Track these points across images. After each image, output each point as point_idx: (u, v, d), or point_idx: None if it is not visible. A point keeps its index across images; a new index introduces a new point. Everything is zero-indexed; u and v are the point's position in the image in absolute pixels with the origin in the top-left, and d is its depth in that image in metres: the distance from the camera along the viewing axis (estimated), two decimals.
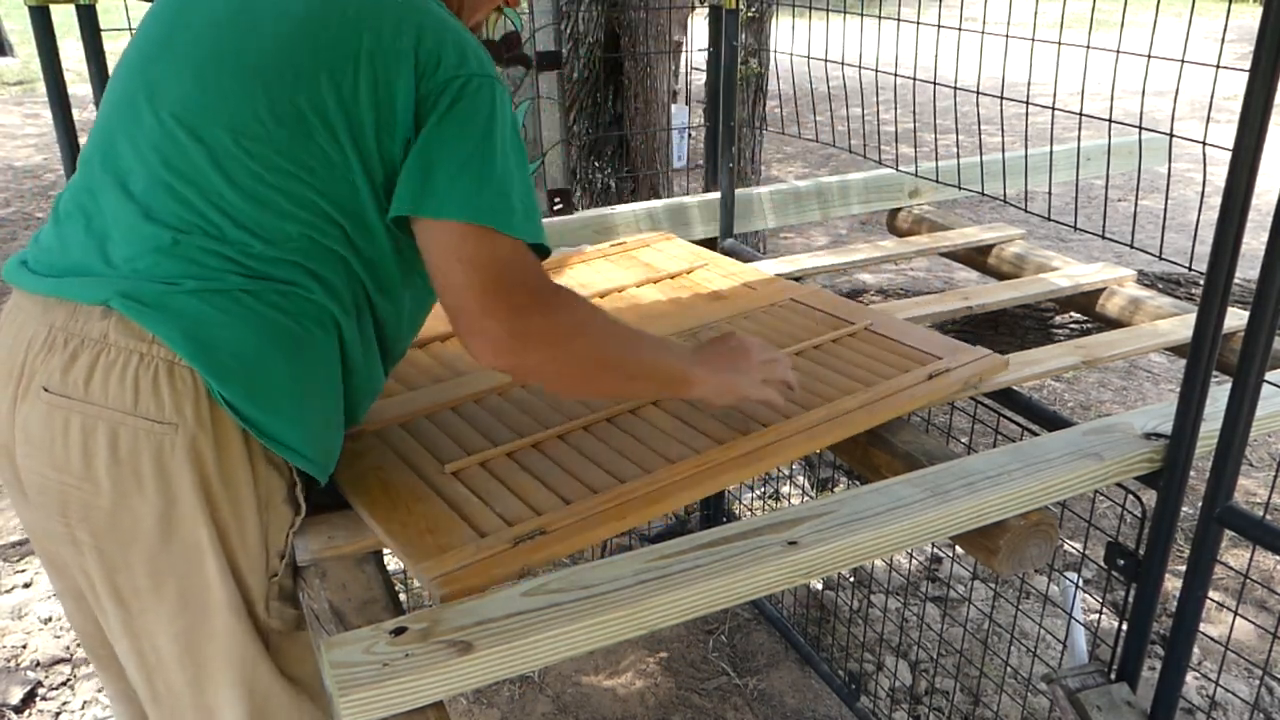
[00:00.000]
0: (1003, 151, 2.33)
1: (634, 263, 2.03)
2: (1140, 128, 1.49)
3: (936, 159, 2.45)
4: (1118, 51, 1.50)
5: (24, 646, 2.44)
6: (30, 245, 1.20)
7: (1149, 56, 1.45)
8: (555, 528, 1.18)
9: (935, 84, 1.77)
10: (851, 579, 2.71)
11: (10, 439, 1.12)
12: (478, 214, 1.10)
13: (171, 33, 1.16)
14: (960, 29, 1.77)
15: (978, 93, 1.77)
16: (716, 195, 2.33)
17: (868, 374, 1.52)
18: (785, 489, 3.06)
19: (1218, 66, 1.24)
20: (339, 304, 1.15)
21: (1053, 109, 1.59)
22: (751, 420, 1.39)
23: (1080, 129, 2.00)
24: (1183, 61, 1.32)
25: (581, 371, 1.21)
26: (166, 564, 1.11)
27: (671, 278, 1.94)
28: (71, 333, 1.08)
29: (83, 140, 1.84)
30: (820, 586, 2.65)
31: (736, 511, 2.96)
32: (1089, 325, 2.31)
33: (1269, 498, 2.17)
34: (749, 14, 3.77)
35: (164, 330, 1.06)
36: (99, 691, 2.32)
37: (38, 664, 2.39)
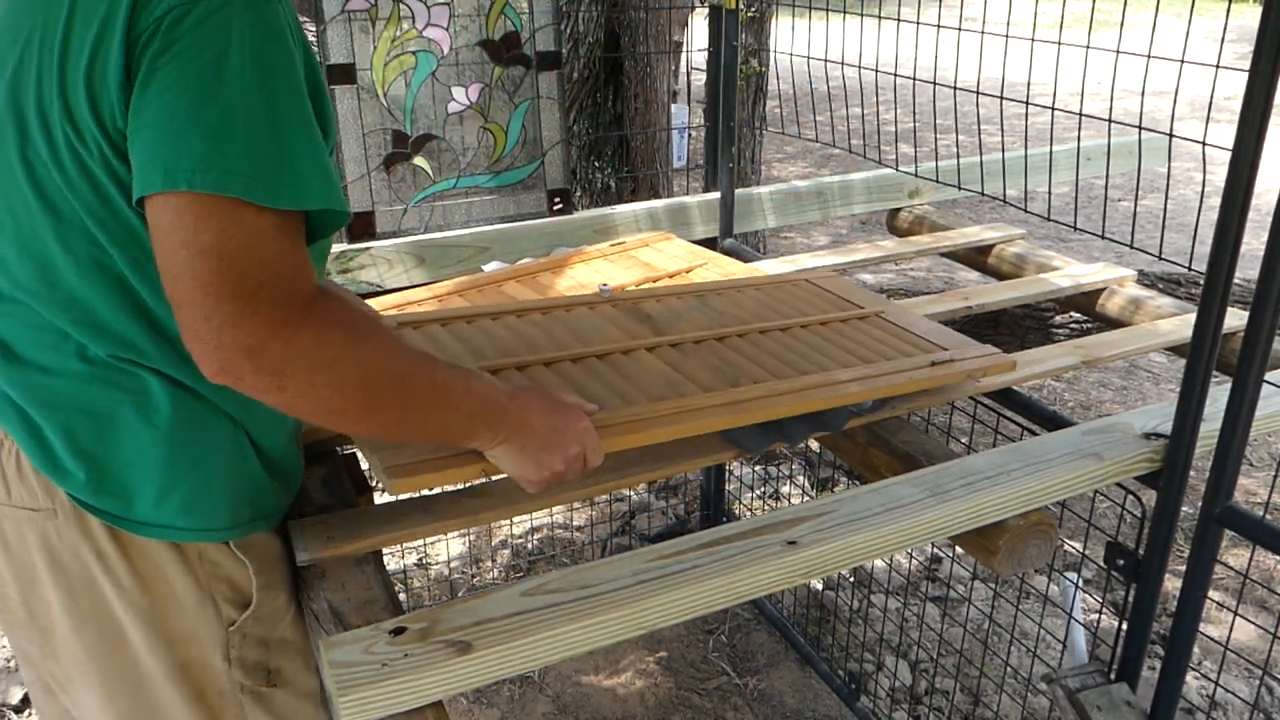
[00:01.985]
0: (1003, 151, 2.33)
1: (634, 262, 2.03)
2: (1140, 128, 1.49)
3: (936, 159, 2.45)
4: (1118, 51, 1.50)
5: None
6: None
7: (1149, 56, 1.45)
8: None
9: (935, 84, 1.77)
10: (851, 579, 2.71)
11: None
12: (205, 179, 0.82)
13: None
14: (960, 29, 1.77)
15: (978, 93, 1.76)
16: (716, 195, 2.33)
17: (869, 354, 1.51)
18: (785, 489, 3.06)
19: (1218, 66, 1.24)
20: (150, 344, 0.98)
21: (1053, 109, 1.59)
22: (741, 375, 1.38)
23: (1080, 129, 2.00)
24: (1183, 61, 1.32)
25: (342, 406, 0.93)
26: (84, 650, 1.05)
27: (670, 277, 1.94)
28: None
29: None
30: (820, 586, 2.65)
31: (736, 511, 2.96)
32: (1089, 325, 2.31)
33: (1269, 498, 2.17)
34: (749, 14, 3.77)
35: (1, 420, 0.98)
36: None
37: None
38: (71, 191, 0.92)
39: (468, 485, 1.27)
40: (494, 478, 1.12)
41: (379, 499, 1.43)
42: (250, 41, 0.86)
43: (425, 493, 1.25)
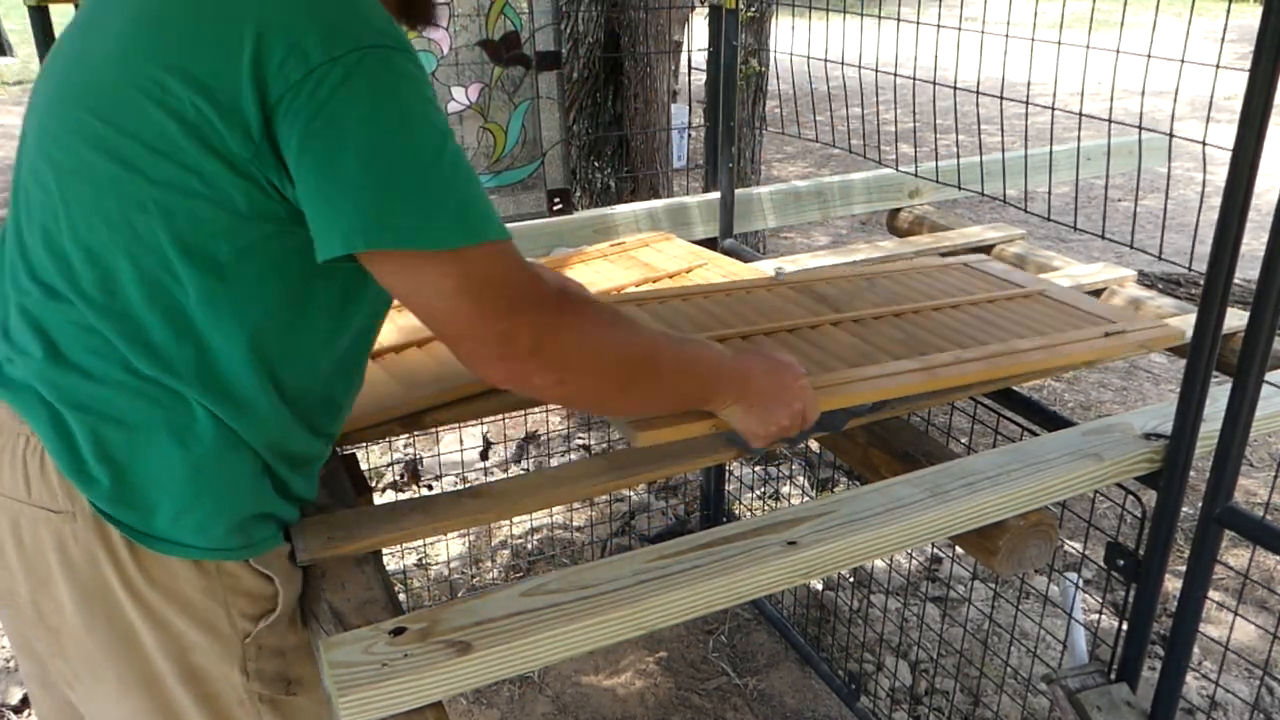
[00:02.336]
0: (1003, 151, 2.33)
1: (634, 262, 2.03)
2: (1140, 128, 1.49)
3: (936, 159, 2.45)
4: (1118, 51, 1.50)
5: None
6: None
7: (1149, 56, 1.44)
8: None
9: (935, 84, 1.77)
10: (851, 579, 2.71)
11: None
12: (427, 237, 0.91)
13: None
14: (960, 29, 1.77)
15: (978, 93, 1.76)
16: (716, 195, 2.33)
17: (1042, 326, 1.56)
18: (785, 489, 3.06)
19: (1218, 66, 1.24)
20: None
21: (1053, 109, 1.59)
22: (926, 345, 1.47)
23: (1080, 129, 2.00)
24: (1183, 61, 1.32)
25: (609, 383, 1.05)
26: (97, 650, 1.05)
27: (670, 277, 1.94)
28: None
29: None
30: (820, 586, 2.65)
31: (736, 511, 2.96)
32: None
33: (1269, 498, 2.17)
34: (749, 14, 3.77)
35: (31, 418, 0.99)
36: None
37: None
38: (162, 215, 0.94)
39: (468, 485, 1.27)
40: (721, 432, 1.23)
41: (379, 499, 1.43)
42: (410, 94, 0.92)
43: (425, 493, 1.25)
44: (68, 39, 1.03)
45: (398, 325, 1.66)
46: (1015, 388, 1.61)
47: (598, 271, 1.99)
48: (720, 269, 1.98)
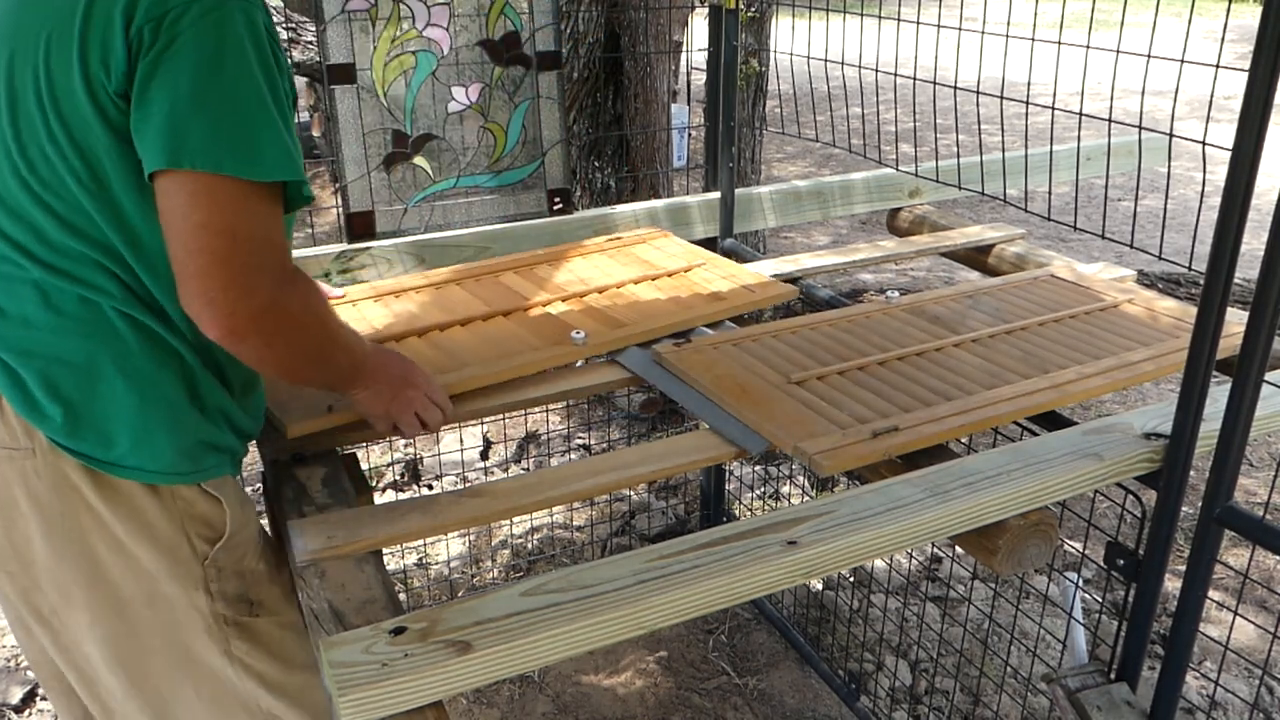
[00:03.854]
0: (1003, 151, 2.33)
1: (631, 259, 2.03)
2: (1140, 127, 1.49)
3: (937, 159, 2.45)
4: (1118, 51, 1.50)
5: None
6: None
7: (1149, 56, 1.44)
8: (906, 425, 1.38)
9: (935, 84, 1.77)
10: (851, 579, 2.71)
11: None
12: (218, 161, 0.98)
13: None
14: (960, 29, 1.77)
15: (978, 93, 1.76)
16: (716, 195, 2.33)
17: (1146, 336, 1.69)
18: (785, 489, 3.06)
19: (1218, 66, 1.24)
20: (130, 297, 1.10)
21: (1053, 109, 1.59)
22: (1047, 363, 1.58)
23: (1080, 129, 2.00)
24: (1183, 61, 1.32)
25: (302, 355, 1.14)
26: (68, 577, 1.13)
27: (670, 275, 1.95)
28: None
29: None
30: (820, 586, 2.65)
31: (736, 511, 2.96)
32: None
33: (1269, 498, 2.17)
34: (749, 14, 3.77)
35: None
36: None
37: None
38: (60, 159, 1.04)
39: (468, 485, 1.27)
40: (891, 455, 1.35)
41: (379, 499, 1.43)
42: (239, 40, 1.00)
43: (425, 492, 1.25)
44: None
45: (482, 298, 1.79)
46: None
47: (596, 266, 1.99)
48: (719, 269, 1.98)
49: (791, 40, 2.48)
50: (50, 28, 1.02)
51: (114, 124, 1.02)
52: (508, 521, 2.88)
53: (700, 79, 2.37)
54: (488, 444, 3.27)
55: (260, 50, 1.02)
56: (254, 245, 1.00)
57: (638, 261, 2.01)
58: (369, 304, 1.79)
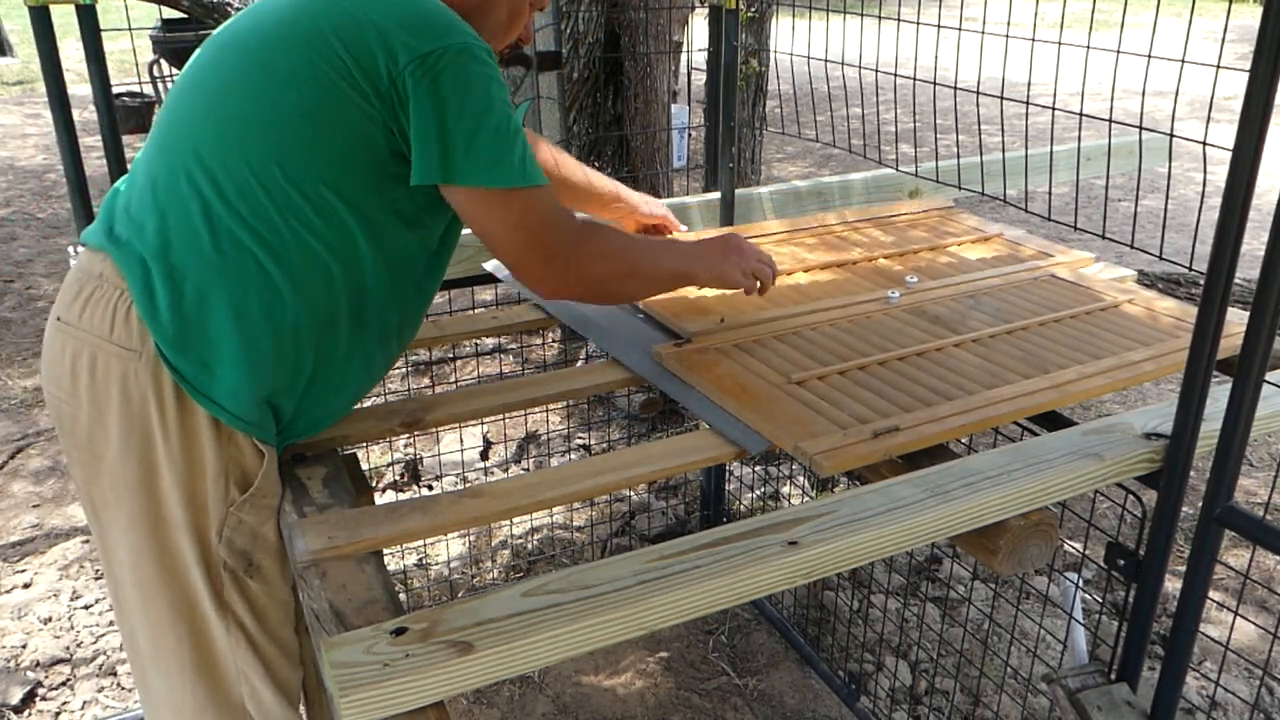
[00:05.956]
0: (1003, 151, 2.33)
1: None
2: (1140, 128, 1.49)
3: (936, 159, 2.45)
4: (1118, 51, 1.50)
5: (24, 646, 2.44)
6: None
7: (1149, 56, 1.45)
8: (907, 425, 1.38)
9: (935, 84, 1.77)
10: (851, 579, 2.71)
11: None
12: (505, 179, 1.23)
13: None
14: (960, 29, 1.77)
15: (978, 93, 1.77)
16: (716, 195, 2.33)
17: (1147, 337, 1.69)
18: (785, 489, 3.06)
19: (1218, 66, 1.24)
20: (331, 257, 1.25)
21: (1053, 109, 1.59)
22: (1047, 363, 1.58)
23: (1080, 129, 2.00)
24: (1183, 61, 1.32)
25: (619, 286, 1.46)
26: (124, 479, 1.26)
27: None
28: (87, 273, 1.26)
29: (83, 140, 1.84)
30: (820, 586, 2.65)
31: (736, 512, 2.96)
32: None
33: (1269, 498, 2.17)
34: (749, 14, 3.78)
35: (127, 269, 1.22)
36: (99, 692, 2.32)
37: (38, 664, 2.39)
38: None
39: (468, 485, 1.27)
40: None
41: (379, 499, 1.43)
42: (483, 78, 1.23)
43: (425, 493, 1.25)
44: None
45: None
46: None
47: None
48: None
49: (791, 40, 2.48)
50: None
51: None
52: (508, 522, 2.88)
53: (700, 79, 2.38)
54: (488, 444, 3.27)
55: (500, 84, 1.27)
56: (546, 227, 1.30)
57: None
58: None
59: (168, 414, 1.23)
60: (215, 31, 1.33)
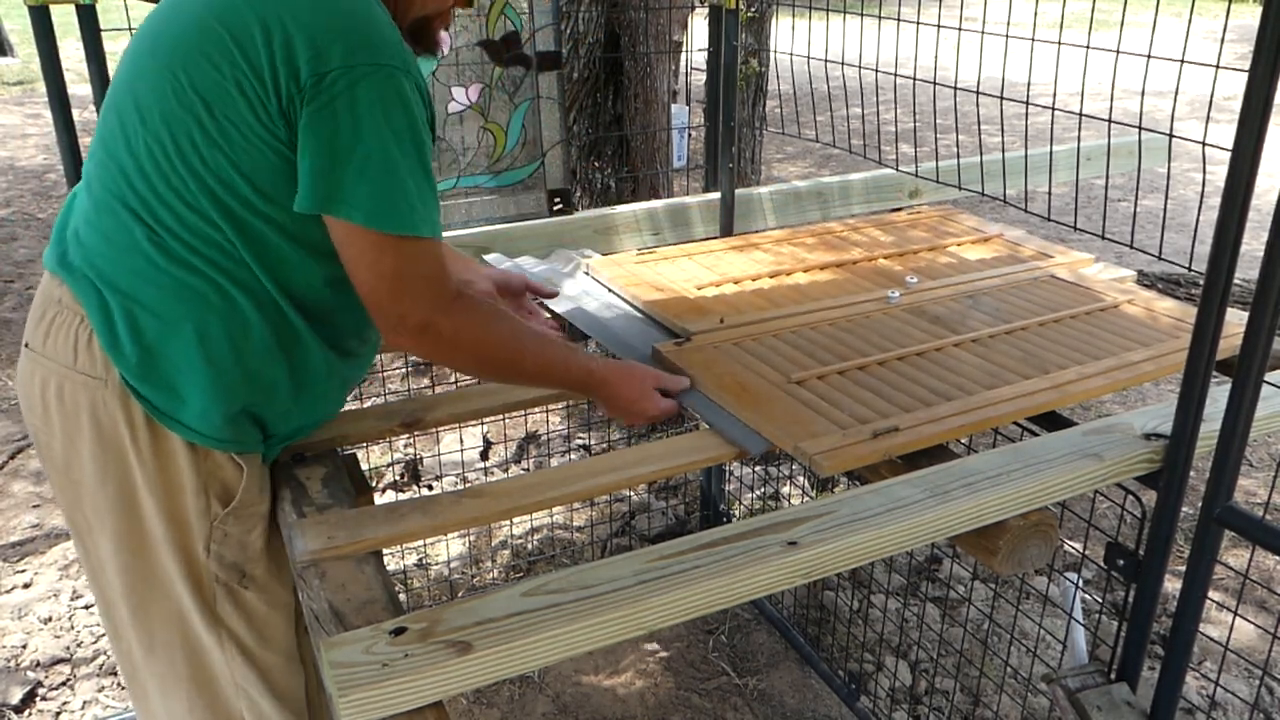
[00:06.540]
0: (1003, 151, 2.33)
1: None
2: (1140, 128, 1.49)
3: (937, 159, 2.45)
4: (1118, 51, 1.50)
5: (24, 646, 2.44)
6: None
7: (1149, 56, 1.45)
8: (906, 426, 1.38)
9: (935, 84, 1.77)
10: (851, 580, 2.71)
11: None
12: (381, 220, 1.14)
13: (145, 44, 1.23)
14: (960, 29, 1.77)
15: (978, 93, 1.76)
16: (716, 195, 2.33)
17: (1146, 337, 1.70)
18: (785, 489, 3.06)
19: (1218, 66, 1.24)
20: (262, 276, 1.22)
21: (1053, 109, 1.59)
22: (1047, 363, 1.58)
23: (1080, 129, 2.00)
24: (1183, 61, 1.32)
25: (485, 368, 1.35)
26: (105, 503, 1.25)
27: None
28: (48, 297, 1.24)
29: (83, 140, 1.84)
30: (820, 586, 2.65)
31: (736, 512, 2.96)
32: None
33: (1269, 498, 2.17)
34: (749, 14, 3.78)
35: (84, 298, 1.20)
36: (99, 691, 2.32)
37: (38, 664, 2.39)
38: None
39: (468, 485, 1.27)
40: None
41: (379, 499, 1.43)
42: (388, 104, 1.14)
43: (425, 493, 1.25)
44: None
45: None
46: None
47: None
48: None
49: (791, 40, 2.48)
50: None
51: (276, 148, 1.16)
52: (508, 522, 2.88)
53: (700, 79, 2.37)
54: (488, 444, 3.27)
55: (408, 112, 1.16)
56: (404, 283, 1.19)
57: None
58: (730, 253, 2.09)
59: (140, 439, 1.22)
60: (136, 32, 1.26)
